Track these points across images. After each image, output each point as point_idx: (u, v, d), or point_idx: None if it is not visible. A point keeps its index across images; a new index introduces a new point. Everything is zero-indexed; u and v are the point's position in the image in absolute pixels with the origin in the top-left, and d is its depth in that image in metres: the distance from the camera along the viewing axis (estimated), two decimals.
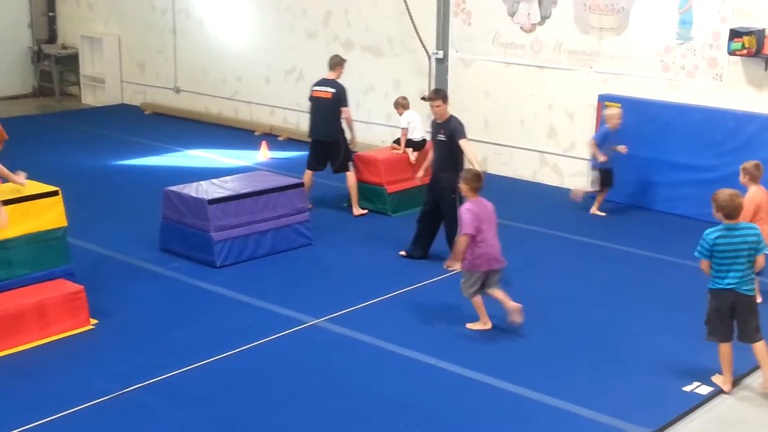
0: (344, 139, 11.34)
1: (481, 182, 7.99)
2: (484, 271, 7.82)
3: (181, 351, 7.43)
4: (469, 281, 7.88)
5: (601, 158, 11.08)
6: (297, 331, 7.89)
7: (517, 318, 7.86)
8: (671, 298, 8.81)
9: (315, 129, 11.31)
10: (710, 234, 6.79)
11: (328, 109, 11.13)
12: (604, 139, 11.11)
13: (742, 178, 8.56)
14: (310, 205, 11.08)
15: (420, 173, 10.38)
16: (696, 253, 6.88)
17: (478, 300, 7.91)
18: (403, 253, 9.74)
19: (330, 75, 11.29)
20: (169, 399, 6.67)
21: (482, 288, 7.89)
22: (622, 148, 11.12)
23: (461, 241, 7.78)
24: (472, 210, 7.80)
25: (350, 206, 11.41)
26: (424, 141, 11.46)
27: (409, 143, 11.45)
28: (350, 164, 11.31)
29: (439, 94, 9.54)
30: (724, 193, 6.84)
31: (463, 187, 8.04)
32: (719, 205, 6.82)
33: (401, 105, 11.59)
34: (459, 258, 7.93)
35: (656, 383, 7.06)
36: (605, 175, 11.23)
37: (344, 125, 11.32)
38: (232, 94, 16.85)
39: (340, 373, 7.17)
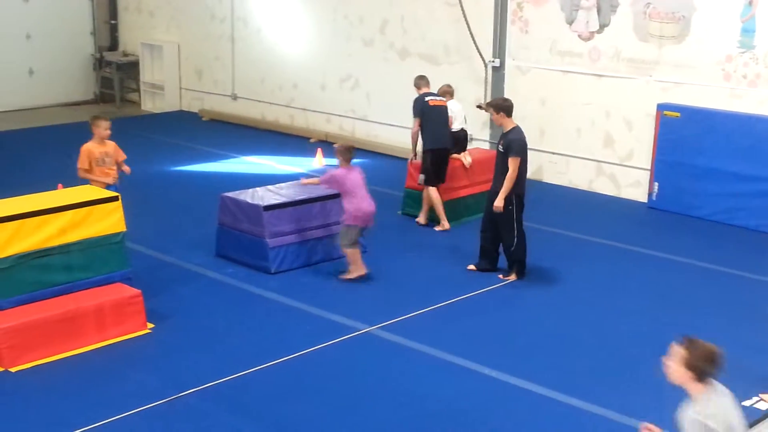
0: None
1: (352, 153, 9.19)
2: (361, 226, 9.07)
3: (235, 356, 7.49)
4: (347, 234, 9.10)
5: None
6: (351, 338, 7.90)
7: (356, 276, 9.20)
8: (733, 310, 8.65)
9: (442, 138, 10.96)
10: None
11: (446, 117, 11.09)
12: None
13: None
14: (448, 226, 10.95)
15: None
16: None
17: (352, 251, 9.14)
18: (472, 267, 9.57)
19: (426, 89, 11.18)
20: (224, 404, 6.72)
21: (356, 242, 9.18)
22: None
23: (313, 181, 9.56)
24: (338, 174, 9.10)
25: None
26: (464, 132, 11.45)
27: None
28: None
29: (490, 105, 9.50)
30: None
31: (338, 156, 9.20)
32: None
33: (447, 93, 11.42)
34: (312, 182, 9.59)
35: None
36: None
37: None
38: (288, 102, 16.97)
39: (393, 381, 7.16)
